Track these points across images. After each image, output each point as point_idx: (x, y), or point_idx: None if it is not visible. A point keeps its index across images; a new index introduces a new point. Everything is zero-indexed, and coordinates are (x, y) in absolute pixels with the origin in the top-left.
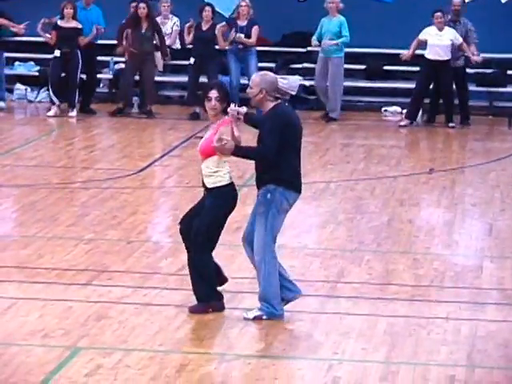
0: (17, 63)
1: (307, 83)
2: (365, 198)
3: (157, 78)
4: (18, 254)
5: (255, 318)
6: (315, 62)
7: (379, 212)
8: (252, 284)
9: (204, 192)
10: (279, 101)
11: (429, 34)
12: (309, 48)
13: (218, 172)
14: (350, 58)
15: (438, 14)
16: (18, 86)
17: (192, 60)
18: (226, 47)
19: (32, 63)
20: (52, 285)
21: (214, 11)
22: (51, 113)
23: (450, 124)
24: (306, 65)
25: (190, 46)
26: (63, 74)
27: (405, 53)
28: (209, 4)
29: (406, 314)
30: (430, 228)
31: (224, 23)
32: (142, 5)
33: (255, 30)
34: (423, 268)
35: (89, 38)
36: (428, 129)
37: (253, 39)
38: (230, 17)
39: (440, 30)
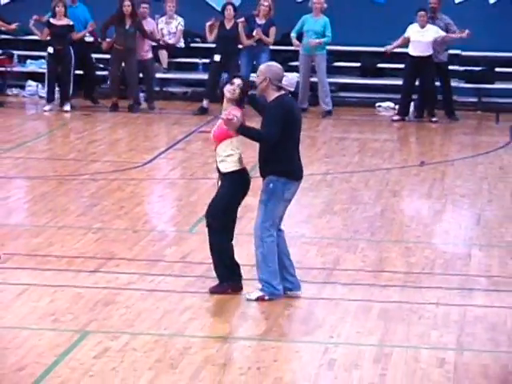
0: (28, 61)
1: None
2: (359, 190)
3: (162, 75)
4: (30, 242)
5: (258, 299)
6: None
7: (373, 203)
8: (249, 272)
9: (218, 178)
10: (283, 92)
11: (412, 31)
12: None
13: (230, 157)
14: (346, 55)
15: (422, 12)
16: (30, 82)
17: (217, 57)
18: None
19: (43, 60)
20: (62, 272)
21: (235, 9)
22: (47, 107)
23: (433, 119)
24: None
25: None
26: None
27: (389, 47)
28: (230, 3)
29: (398, 299)
30: (421, 218)
31: (243, 19)
32: (126, 2)
33: (273, 30)
34: (415, 256)
35: (82, 32)
36: (419, 123)
37: (271, 38)
38: (249, 14)
39: (422, 27)
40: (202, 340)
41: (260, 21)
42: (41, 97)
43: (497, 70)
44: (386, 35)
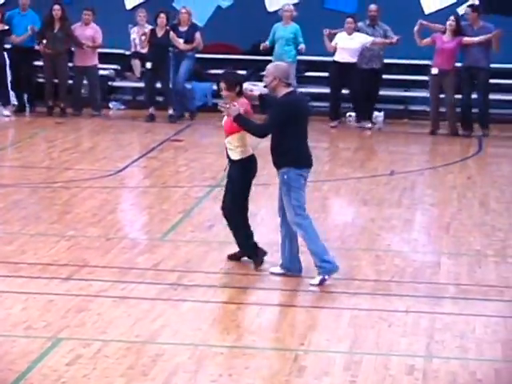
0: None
1: None
2: (330, 198)
3: (135, 84)
4: (3, 249)
5: (321, 282)
6: None
7: (343, 211)
8: (225, 278)
9: (227, 164)
10: (292, 88)
11: (339, 38)
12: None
13: (239, 147)
14: (316, 65)
15: (349, 19)
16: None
17: (149, 65)
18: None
19: None
20: (35, 279)
21: (168, 18)
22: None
23: (363, 123)
24: None
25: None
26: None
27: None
28: (163, 11)
29: (368, 307)
30: (391, 226)
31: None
32: (56, 7)
33: (198, 34)
34: (384, 264)
35: (22, 37)
36: (390, 133)
37: (197, 42)
38: (171, 23)
39: (349, 34)
40: (174, 347)
41: (182, 28)
42: (13, 104)
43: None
44: None
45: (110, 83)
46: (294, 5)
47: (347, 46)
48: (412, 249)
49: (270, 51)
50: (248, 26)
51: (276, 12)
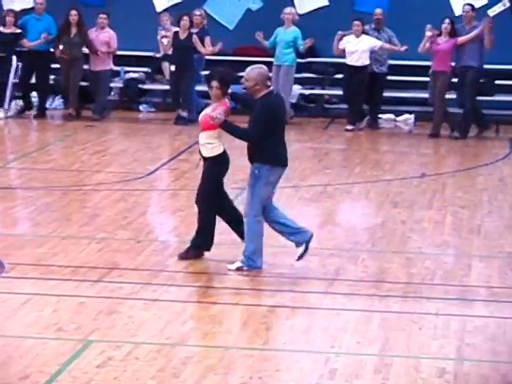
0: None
1: (307, 92)
2: (360, 201)
3: (164, 87)
4: (34, 252)
5: (238, 269)
6: (315, 72)
7: (374, 214)
8: (255, 281)
9: (199, 159)
10: (270, 88)
11: (347, 41)
12: (308, 59)
13: (211, 144)
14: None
15: (356, 22)
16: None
17: (173, 67)
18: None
19: None
20: (65, 281)
21: (191, 21)
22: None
23: (348, 127)
24: (305, 74)
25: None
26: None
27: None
28: (187, 14)
29: (398, 309)
30: (422, 229)
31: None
32: (73, 12)
33: (207, 39)
34: (415, 266)
35: (34, 42)
36: (420, 136)
37: (208, 48)
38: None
39: (357, 36)
40: (204, 349)
41: (193, 30)
42: (46, 108)
43: (497, 82)
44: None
45: (140, 86)
46: (325, 7)
47: (355, 48)
48: (443, 251)
49: (271, 53)
50: (275, 28)
51: (306, 14)
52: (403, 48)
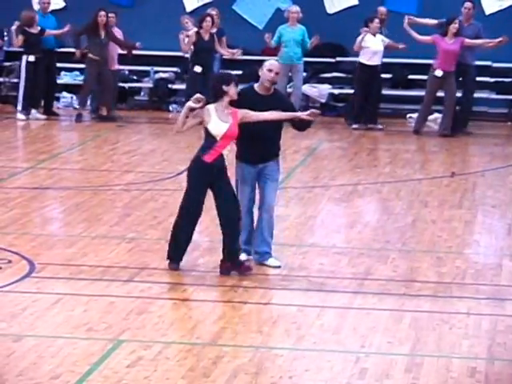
0: (63, 73)
1: (336, 91)
2: (390, 200)
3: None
4: (64, 252)
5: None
6: (344, 72)
7: (404, 213)
8: (285, 281)
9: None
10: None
11: (369, 41)
12: (338, 58)
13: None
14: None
15: (376, 19)
16: (64, 94)
17: (198, 68)
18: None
19: (77, 73)
20: (96, 281)
21: (213, 21)
22: (22, 116)
23: (376, 125)
24: (335, 74)
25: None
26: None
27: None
28: (209, 15)
29: (429, 309)
30: (452, 228)
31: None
32: (102, 13)
33: (223, 39)
34: (446, 266)
35: (58, 31)
36: (447, 135)
37: (224, 48)
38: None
39: (374, 35)
40: (234, 349)
41: (212, 30)
42: (75, 108)
43: None
44: (417, 48)
45: (169, 86)
46: (354, 6)
47: (378, 48)
48: (473, 250)
49: (275, 51)
50: (307, 28)
51: (336, 13)
52: (401, 46)
